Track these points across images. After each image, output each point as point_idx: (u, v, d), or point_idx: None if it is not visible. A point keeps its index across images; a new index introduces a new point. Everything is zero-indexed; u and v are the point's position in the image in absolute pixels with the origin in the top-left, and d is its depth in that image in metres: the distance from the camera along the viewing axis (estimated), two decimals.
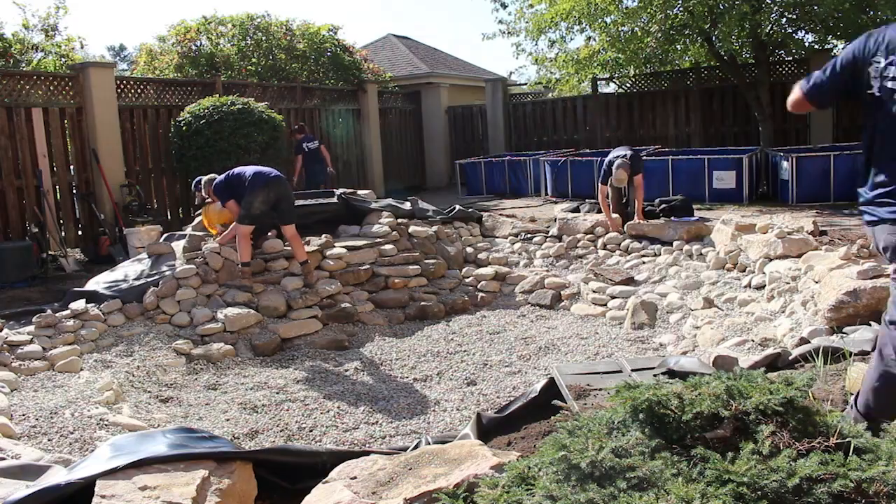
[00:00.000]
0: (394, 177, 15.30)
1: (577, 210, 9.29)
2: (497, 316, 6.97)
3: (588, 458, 2.00)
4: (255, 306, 6.32)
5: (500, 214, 9.13)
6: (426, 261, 7.69)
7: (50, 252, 8.47)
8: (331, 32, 15.32)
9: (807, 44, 12.73)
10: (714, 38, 11.91)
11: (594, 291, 7.07)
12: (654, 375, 3.64)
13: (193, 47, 13.97)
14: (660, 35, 11.43)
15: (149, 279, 6.42)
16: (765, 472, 1.89)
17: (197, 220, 7.38)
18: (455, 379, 5.24)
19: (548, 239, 8.48)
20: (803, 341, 4.15)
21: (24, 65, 10.97)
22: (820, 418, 2.17)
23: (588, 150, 13.74)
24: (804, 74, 12.47)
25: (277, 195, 6.45)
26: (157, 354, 5.63)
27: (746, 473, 1.89)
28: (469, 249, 8.38)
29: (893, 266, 2.48)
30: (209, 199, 6.87)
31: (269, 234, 7.03)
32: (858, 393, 2.64)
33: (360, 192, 8.66)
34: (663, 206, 8.86)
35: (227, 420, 4.54)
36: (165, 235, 7.36)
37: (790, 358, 3.83)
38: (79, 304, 6.00)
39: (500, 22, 14.04)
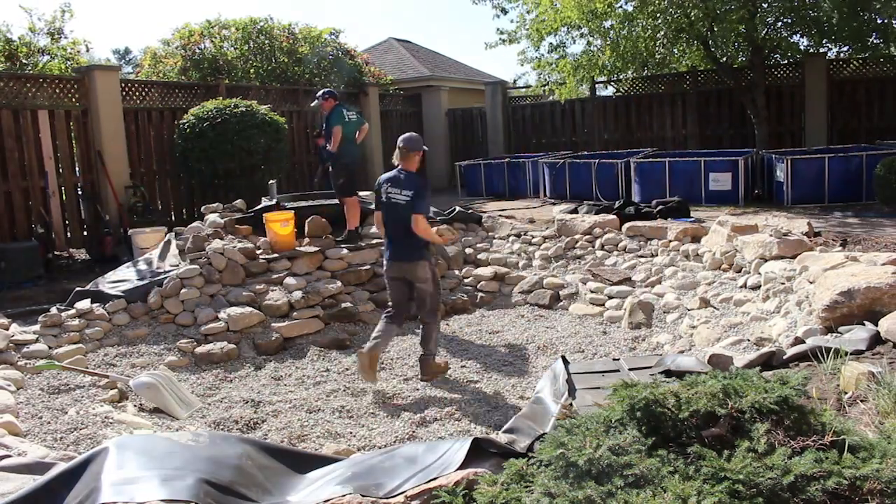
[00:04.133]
0: None
1: (575, 211, 9.35)
2: (496, 316, 7.03)
3: (586, 456, 2.03)
4: (257, 306, 6.37)
5: (500, 215, 9.18)
6: None
7: (56, 252, 8.53)
8: (332, 36, 15.37)
9: (802, 47, 12.82)
10: (710, 43, 11.99)
11: (592, 291, 7.14)
12: (652, 374, 3.70)
13: (197, 50, 13.99)
14: (665, 41, 11.52)
15: (153, 279, 6.48)
16: (760, 469, 1.93)
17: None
18: (455, 378, 5.30)
19: (546, 240, 8.53)
20: (798, 341, 4.20)
21: (30, 68, 11.00)
22: (815, 417, 2.21)
23: (586, 153, 13.80)
24: (799, 77, 12.55)
25: None
26: (162, 353, 5.70)
27: (742, 471, 1.92)
28: (469, 250, 8.44)
29: None
30: None
31: None
32: None
33: (361, 193, 8.70)
34: (660, 207, 8.93)
35: (230, 418, 4.59)
36: (170, 235, 7.40)
37: (785, 357, 3.89)
38: (84, 304, 6.07)
39: (501, 31, 13.99)
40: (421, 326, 5.39)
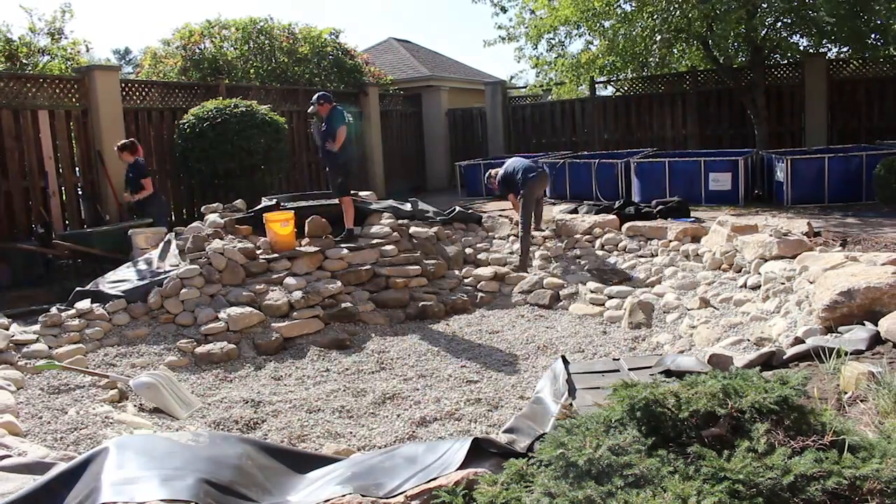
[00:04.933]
0: (395, 178, 15.34)
1: (575, 211, 9.36)
2: (496, 316, 7.03)
3: (586, 456, 2.03)
4: (257, 306, 6.38)
5: (500, 215, 9.18)
6: (426, 261, 7.74)
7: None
8: (332, 36, 15.36)
9: (801, 47, 12.81)
10: (710, 43, 12.00)
11: (592, 291, 7.14)
12: (652, 374, 3.70)
13: (197, 51, 13.99)
14: (662, 42, 11.53)
15: (153, 279, 6.48)
16: (760, 469, 1.93)
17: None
18: (455, 378, 5.30)
19: (546, 240, 8.54)
20: (798, 341, 4.20)
21: (30, 68, 11.00)
22: (815, 417, 2.21)
23: (586, 153, 13.80)
24: (799, 77, 12.55)
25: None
26: (162, 353, 5.70)
27: (742, 471, 1.92)
28: (468, 250, 8.44)
29: None
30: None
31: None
32: None
33: (361, 193, 8.72)
34: (660, 207, 8.94)
35: (230, 418, 4.59)
36: (170, 235, 7.41)
37: (785, 357, 3.89)
38: (84, 304, 6.07)
39: (500, 27, 14.00)
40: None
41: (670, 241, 7.78)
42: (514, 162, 8.61)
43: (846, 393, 3.13)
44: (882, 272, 4.42)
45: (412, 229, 8.11)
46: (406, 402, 4.87)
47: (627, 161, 11.41)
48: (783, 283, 5.59)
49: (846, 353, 3.56)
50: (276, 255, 7.04)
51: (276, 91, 12.58)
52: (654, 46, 11.88)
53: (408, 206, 8.68)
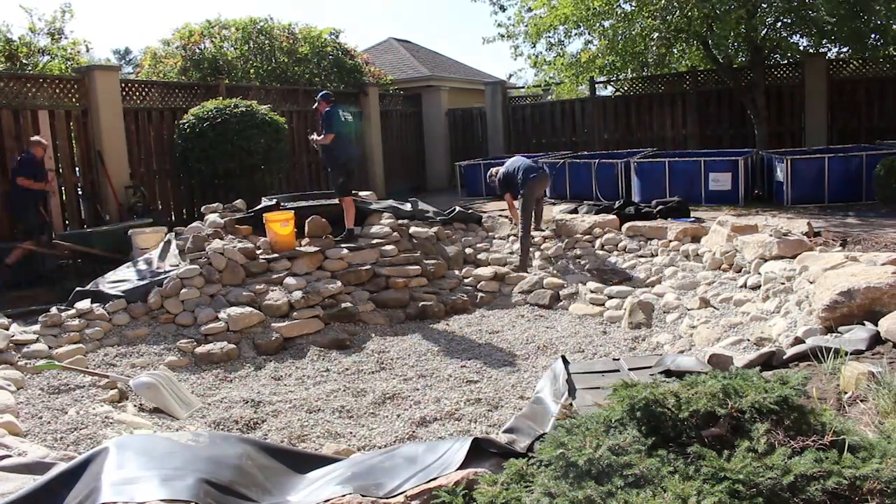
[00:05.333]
0: (395, 178, 15.34)
1: (575, 211, 9.36)
2: (496, 316, 7.03)
3: (586, 456, 2.03)
4: (257, 306, 6.38)
5: (500, 215, 9.19)
6: (426, 261, 7.75)
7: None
8: (332, 36, 15.36)
9: (801, 47, 12.81)
10: (710, 43, 12.00)
11: (592, 291, 7.14)
12: (652, 374, 3.70)
13: (197, 51, 14.00)
14: (659, 40, 11.53)
15: (153, 279, 6.48)
16: (760, 469, 1.93)
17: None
18: (455, 378, 5.31)
19: (546, 240, 8.54)
20: (798, 341, 4.20)
21: (30, 68, 11.01)
22: (815, 417, 2.21)
23: (586, 153, 13.80)
24: (799, 77, 12.54)
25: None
26: (162, 353, 5.70)
27: (742, 471, 1.92)
28: (468, 250, 8.44)
29: None
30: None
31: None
32: None
33: (361, 193, 8.72)
34: (660, 207, 8.93)
35: (230, 418, 4.59)
36: (170, 235, 7.41)
37: (785, 357, 3.89)
38: (84, 304, 6.07)
39: (500, 25, 14.01)
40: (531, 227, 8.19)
41: (670, 241, 7.78)
42: (514, 161, 8.59)
43: (846, 393, 3.12)
44: (882, 272, 4.42)
45: (412, 229, 8.12)
46: (406, 402, 4.87)
47: (627, 161, 11.41)
48: (783, 283, 5.58)
49: (846, 353, 3.56)
50: (276, 255, 7.04)
51: (276, 91, 12.59)
52: (652, 44, 11.87)
53: (408, 206, 8.68)
